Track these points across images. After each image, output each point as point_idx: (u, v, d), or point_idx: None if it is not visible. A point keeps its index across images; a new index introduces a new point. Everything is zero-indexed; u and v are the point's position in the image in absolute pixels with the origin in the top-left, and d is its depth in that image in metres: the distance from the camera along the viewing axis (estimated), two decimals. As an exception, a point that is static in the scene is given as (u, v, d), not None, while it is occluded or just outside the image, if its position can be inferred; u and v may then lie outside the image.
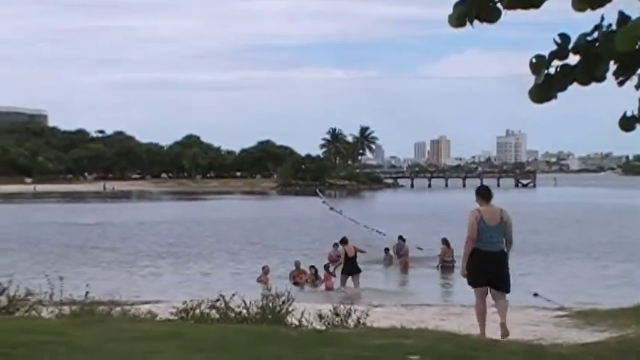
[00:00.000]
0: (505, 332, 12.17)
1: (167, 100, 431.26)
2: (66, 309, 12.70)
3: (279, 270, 29.00)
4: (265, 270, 27.49)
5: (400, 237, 31.60)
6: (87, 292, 13.21)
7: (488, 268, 12.24)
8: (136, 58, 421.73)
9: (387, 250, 31.95)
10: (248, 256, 36.75)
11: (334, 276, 26.31)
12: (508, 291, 12.54)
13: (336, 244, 28.44)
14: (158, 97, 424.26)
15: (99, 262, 34.23)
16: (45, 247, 41.56)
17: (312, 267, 27.19)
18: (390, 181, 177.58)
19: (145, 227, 54.83)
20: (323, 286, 26.03)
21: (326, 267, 27.01)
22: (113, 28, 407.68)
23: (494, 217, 12.33)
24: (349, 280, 25.70)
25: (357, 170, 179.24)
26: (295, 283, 26.02)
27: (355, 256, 25.97)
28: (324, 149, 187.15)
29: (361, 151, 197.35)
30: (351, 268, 25.75)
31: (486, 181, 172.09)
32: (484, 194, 12.60)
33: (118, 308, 13.10)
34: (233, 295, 12.58)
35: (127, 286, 25.83)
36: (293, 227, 53.68)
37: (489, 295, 12.51)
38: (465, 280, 12.65)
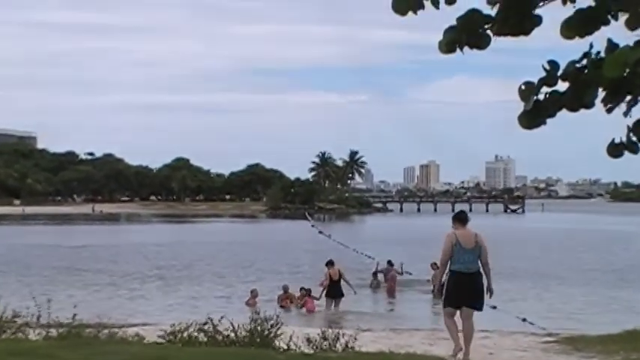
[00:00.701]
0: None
1: (157, 123, 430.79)
2: (53, 331, 12.63)
3: (268, 294, 28.80)
4: (254, 293, 27.46)
5: (389, 262, 31.66)
6: (74, 315, 13.11)
7: (463, 289, 13.04)
8: (127, 80, 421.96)
9: (375, 274, 32.04)
10: (237, 279, 36.62)
11: (317, 299, 26.33)
12: (480, 309, 13.27)
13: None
14: (148, 119, 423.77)
15: (87, 285, 34.06)
16: (33, 269, 41.35)
17: (302, 289, 27.07)
18: (379, 205, 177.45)
19: (133, 250, 54.60)
20: (304, 310, 25.96)
21: (308, 290, 26.97)
22: (104, 50, 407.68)
23: (469, 240, 13.13)
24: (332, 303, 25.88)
25: (347, 194, 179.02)
26: (283, 307, 25.80)
27: (340, 279, 26.19)
28: (313, 173, 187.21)
29: (350, 175, 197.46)
30: (335, 291, 26.03)
31: (475, 207, 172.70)
32: (460, 218, 13.40)
33: (106, 331, 13.00)
34: (221, 318, 12.52)
35: (115, 308, 25.60)
36: (282, 251, 53.54)
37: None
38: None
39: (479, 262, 13.15)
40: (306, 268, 40.42)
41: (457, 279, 13.04)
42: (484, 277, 13.24)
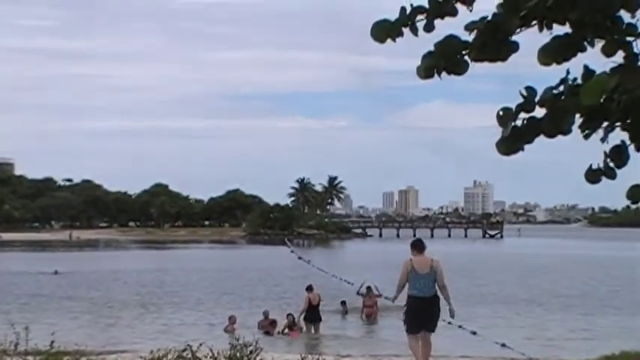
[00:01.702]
0: None
1: (135, 148, 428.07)
2: (31, 359, 12.59)
3: (249, 320, 28.68)
4: (232, 320, 27.31)
5: (368, 287, 31.50)
6: (52, 342, 13.00)
7: (420, 313, 14.00)
8: (105, 106, 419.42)
9: (343, 303, 32.16)
10: (217, 305, 36.49)
11: (301, 328, 26.21)
12: (433, 331, 14.27)
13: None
14: (126, 144, 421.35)
15: (66, 312, 33.83)
16: (10, 296, 40.89)
17: (289, 315, 26.88)
18: (359, 230, 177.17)
19: (113, 276, 54.28)
20: (289, 338, 25.77)
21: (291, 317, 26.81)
22: (82, 76, 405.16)
23: (424, 265, 14.06)
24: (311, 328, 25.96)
25: (326, 220, 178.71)
26: (266, 333, 25.78)
27: (319, 304, 26.50)
28: (292, 198, 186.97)
29: (330, 201, 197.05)
30: (314, 315, 26.30)
31: (454, 232, 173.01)
32: (417, 246, 14.39)
33: (84, 358, 12.93)
34: (200, 344, 12.45)
35: (94, 335, 25.52)
36: (262, 276, 53.39)
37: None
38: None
39: (435, 286, 14.03)
40: (285, 293, 40.29)
41: (413, 303, 13.98)
42: (441, 300, 14.15)
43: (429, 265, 14.03)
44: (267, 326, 26.83)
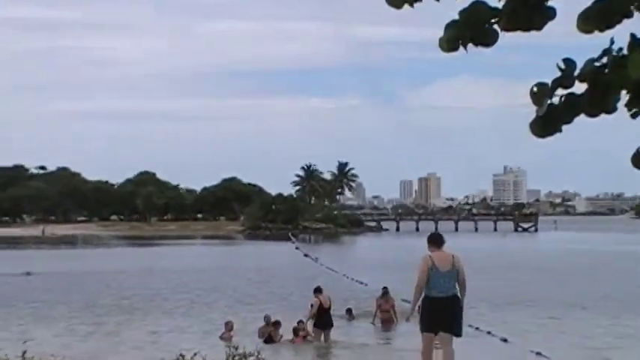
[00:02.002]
0: None
1: (118, 132, 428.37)
2: (0, 371, 12.59)
3: (248, 326, 28.59)
4: (228, 326, 27.23)
5: (385, 288, 30.95)
6: (24, 352, 12.99)
7: (440, 314, 14.04)
8: (81, 84, 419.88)
9: (349, 311, 31.71)
10: (212, 310, 36.41)
11: (305, 336, 25.91)
12: (459, 335, 14.31)
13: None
14: (107, 127, 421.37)
15: (40, 319, 33.77)
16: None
17: (300, 322, 26.47)
18: (373, 224, 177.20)
19: (93, 278, 54.15)
20: (295, 343, 25.60)
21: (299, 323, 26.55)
22: (54, 49, 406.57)
23: (445, 262, 14.15)
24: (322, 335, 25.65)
25: (335, 212, 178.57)
26: (266, 341, 25.53)
27: (330, 307, 26.14)
28: (297, 188, 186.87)
29: (340, 190, 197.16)
30: (325, 321, 25.83)
31: (482, 225, 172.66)
32: (436, 240, 14.49)
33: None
34: (195, 354, 12.50)
35: (72, 345, 25.49)
36: (263, 277, 53.27)
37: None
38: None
39: (456, 285, 14.15)
40: (290, 296, 40.12)
41: (433, 304, 14.03)
42: (461, 300, 14.30)
43: (450, 261, 14.18)
44: (269, 332, 26.49)
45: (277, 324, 27.00)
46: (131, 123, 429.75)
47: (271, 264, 63.89)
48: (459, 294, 14.21)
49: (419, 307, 14.46)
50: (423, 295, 14.35)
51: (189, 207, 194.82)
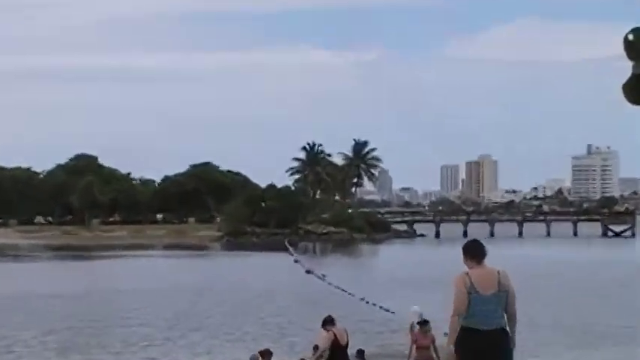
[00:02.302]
0: None
1: (45, 99, 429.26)
2: None
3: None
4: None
5: (424, 321, 30.40)
6: None
7: (483, 355, 13.87)
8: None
9: (360, 353, 31.30)
10: (181, 348, 36.55)
11: None
12: None
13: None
14: (26, 94, 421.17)
15: None
16: None
17: None
18: (403, 227, 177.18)
19: (7, 305, 54.32)
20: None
21: None
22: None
23: (489, 282, 13.98)
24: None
25: (350, 210, 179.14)
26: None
27: (347, 345, 26.53)
28: (296, 177, 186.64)
29: (356, 180, 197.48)
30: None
31: (556, 227, 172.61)
32: (474, 252, 14.29)
33: None
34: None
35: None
36: (252, 301, 53.25)
37: None
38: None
39: (503, 313, 14.07)
40: (288, 327, 40.46)
41: (473, 341, 13.85)
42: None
43: (495, 280, 14.01)
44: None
45: (267, 354, 27.53)
46: (63, 87, 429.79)
47: (260, 284, 63.86)
48: (506, 327, 14.04)
49: (456, 347, 14.21)
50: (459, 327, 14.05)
51: (144, 204, 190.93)
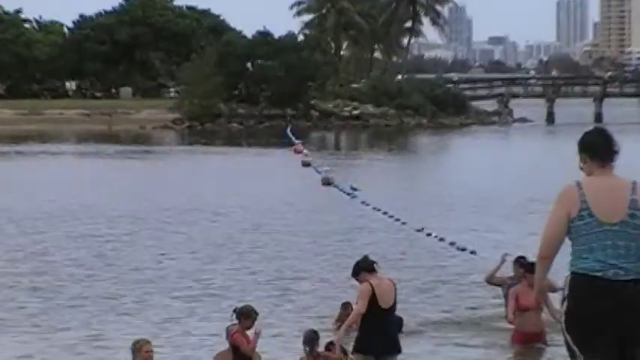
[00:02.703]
0: None
1: None
2: None
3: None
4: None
5: (521, 258, 23.61)
6: None
7: (609, 312, 9.72)
8: None
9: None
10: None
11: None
12: None
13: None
14: None
15: None
16: None
17: (330, 343, 21.46)
18: (491, 105, 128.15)
19: None
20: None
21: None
22: None
23: (614, 204, 9.50)
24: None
25: (399, 77, 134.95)
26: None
27: (394, 305, 19.04)
28: (306, 17, 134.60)
29: (411, 25, 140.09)
30: (385, 334, 18.93)
31: None
32: (596, 149, 9.66)
33: None
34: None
35: None
36: (238, 237, 40.84)
37: None
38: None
39: (636, 256, 9.55)
40: (294, 279, 30.78)
41: (589, 291, 9.66)
42: None
43: (624, 200, 9.29)
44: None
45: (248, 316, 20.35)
46: None
47: (248, 203, 49.17)
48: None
49: (564, 297, 9.58)
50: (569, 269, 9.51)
51: (42, 65, 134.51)
